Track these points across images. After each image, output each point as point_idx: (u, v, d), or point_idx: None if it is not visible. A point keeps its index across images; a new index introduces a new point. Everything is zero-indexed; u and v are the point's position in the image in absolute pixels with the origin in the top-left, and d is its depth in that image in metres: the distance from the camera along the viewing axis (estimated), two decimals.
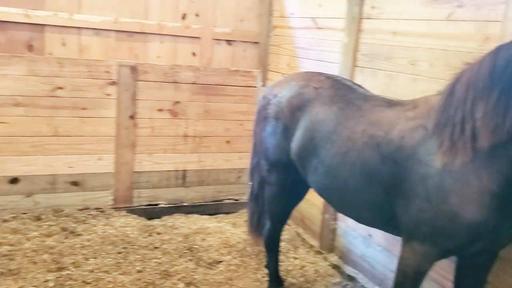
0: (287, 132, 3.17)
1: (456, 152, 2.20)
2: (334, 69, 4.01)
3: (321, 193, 3.03)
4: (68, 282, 3.54)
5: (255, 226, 3.84)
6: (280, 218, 3.59)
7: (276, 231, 3.61)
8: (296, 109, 3.11)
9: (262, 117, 3.39)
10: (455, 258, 2.67)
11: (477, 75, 2.16)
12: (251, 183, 3.80)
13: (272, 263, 3.71)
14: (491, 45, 2.67)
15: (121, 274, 3.76)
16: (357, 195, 2.70)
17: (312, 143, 2.93)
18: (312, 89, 3.09)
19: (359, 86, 3.16)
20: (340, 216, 4.10)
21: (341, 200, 2.89)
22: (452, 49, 2.98)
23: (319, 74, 3.28)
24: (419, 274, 2.47)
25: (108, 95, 4.60)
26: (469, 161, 2.17)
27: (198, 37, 5.07)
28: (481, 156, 2.14)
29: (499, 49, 2.13)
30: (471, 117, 2.16)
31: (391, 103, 2.73)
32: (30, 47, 4.41)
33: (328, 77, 3.18)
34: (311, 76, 3.25)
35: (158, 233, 4.54)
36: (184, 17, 4.95)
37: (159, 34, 4.87)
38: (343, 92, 2.97)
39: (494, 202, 2.17)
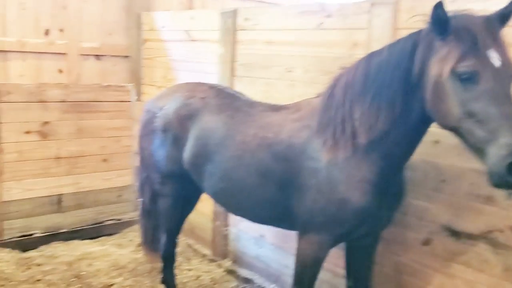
0: (177, 142, 3.19)
1: (339, 149, 2.47)
2: (212, 80, 4.11)
3: (217, 197, 3.12)
4: None
5: (150, 242, 3.76)
6: (177, 230, 3.58)
7: (173, 243, 3.58)
8: (185, 119, 3.15)
9: (148, 131, 3.37)
10: (344, 245, 2.94)
11: (353, 80, 2.44)
12: (141, 199, 3.72)
13: (170, 277, 3.67)
14: (359, 50, 3.03)
15: None
16: (253, 194, 2.84)
17: (205, 150, 3.01)
18: (199, 99, 3.17)
19: (242, 94, 3.32)
20: (232, 221, 4.21)
21: (237, 202, 3.00)
22: (323, 55, 3.28)
23: (202, 84, 3.36)
24: (317, 263, 2.69)
25: None
26: (351, 155, 2.45)
27: (64, 53, 4.81)
28: (359, 150, 2.43)
29: (371, 56, 2.42)
30: (350, 117, 2.43)
31: (276, 108, 2.95)
32: None
33: (211, 86, 3.29)
34: (194, 86, 3.33)
35: (38, 265, 4.19)
36: (47, 32, 4.66)
37: (21, 51, 4.52)
38: (229, 100, 3.11)
39: (373, 189, 2.47)
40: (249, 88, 3.86)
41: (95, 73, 5.06)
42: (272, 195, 2.75)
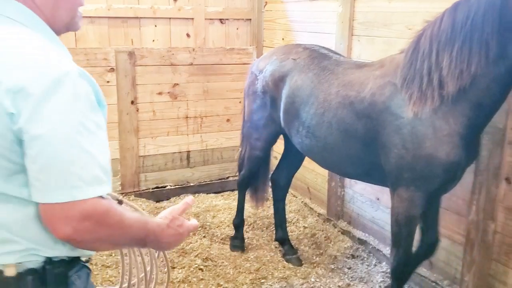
0: (275, 103, 3.39)
1: (426, 101, 2.40)
2: (330, 40, 4.07)
3: (305, 152, 3.26)
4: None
5: (254, 191, 4.13)
6: (282, 185, 3.94)
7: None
8: (278, 81, 3.32)
9: (251, 92, 3.61)
10: None
11: (439, 30, 2.35)
12: (240, 149, 4.02)
13: (282, 234, 4.00)
14: None
15: (139, 256, 3.84)
16: (336, 151, 2.92)
17: (293, 107, 3.15)
18: (291, 61, 3.30)
19: (335, 53, 3.37)
20: (347, 183, 4.21)
21: (323, 158, 3.12)
22: None
23: (298, 46, 3.48)
24: (411, 220, 2.65)
25: (108, 82, 4.62)
26: (437, 108, 2.38)
27: (191, 18, 5.07)
28: (446, 102, 2.35)
29: (457, 4, 2.31)
30: (437, 67, 2.34)
31: (360, 65, 2.94)
32: None
33: (306, 48, 3.39)
34: (290, 49, 3.48)
35: None
36: None
37: (153, 18, 4.87)
38: (318, 60, 3.18)
39: (462, 142, 2.39)
40: (368, 47, 3.76)
41: (220, 37, 5.28)
42: (357, 152, 2.80)
